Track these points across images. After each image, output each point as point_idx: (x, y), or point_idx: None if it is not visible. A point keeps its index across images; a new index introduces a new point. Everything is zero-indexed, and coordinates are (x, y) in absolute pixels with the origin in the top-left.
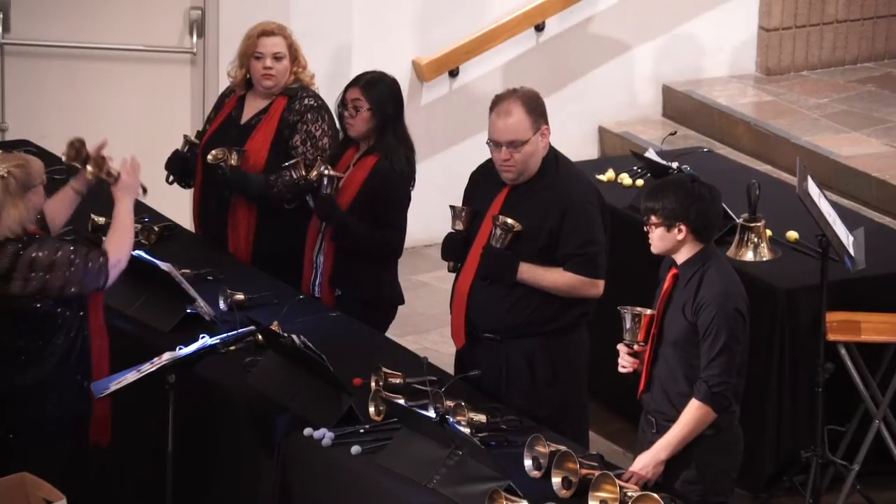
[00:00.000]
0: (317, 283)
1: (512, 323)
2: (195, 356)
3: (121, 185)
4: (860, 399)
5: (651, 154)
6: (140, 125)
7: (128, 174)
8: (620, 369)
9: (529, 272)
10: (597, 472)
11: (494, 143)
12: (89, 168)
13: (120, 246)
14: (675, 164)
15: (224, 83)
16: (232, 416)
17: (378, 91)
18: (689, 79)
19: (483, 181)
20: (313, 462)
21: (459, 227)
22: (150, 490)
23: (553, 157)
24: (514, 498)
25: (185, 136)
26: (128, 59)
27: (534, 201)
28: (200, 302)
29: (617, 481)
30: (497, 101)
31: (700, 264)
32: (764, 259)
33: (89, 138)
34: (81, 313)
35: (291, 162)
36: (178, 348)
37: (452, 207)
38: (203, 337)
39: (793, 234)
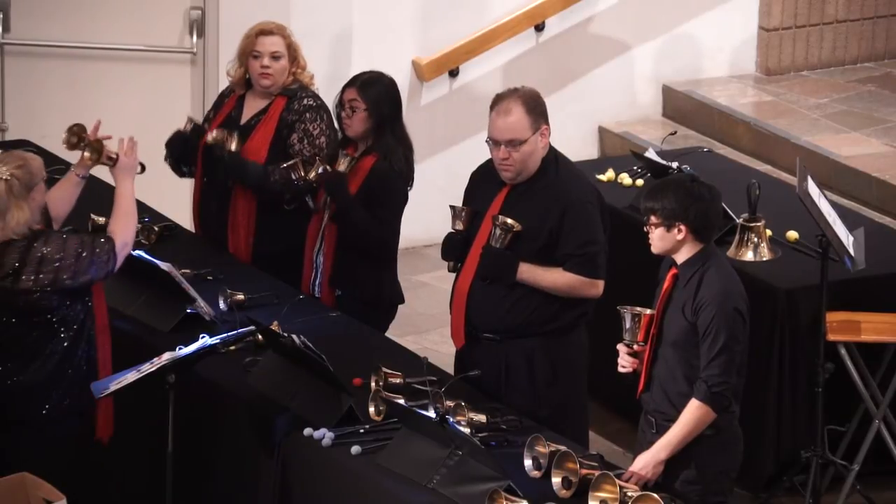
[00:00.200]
0: (317, 283)
1: (512, 323)
2: (195, 356)
3: (120, 166)
4: (860, 399)
5: (651, 154)
6: (140, 125)
7: (126, 154)
8: (620, 369)
9: (529, 272)
10: (597, 472)
11: (494, 142)
12: (87, 154)
13: (125, 228)
14: (675, 164)
15: (224, 83)
16: (232, 416)
17: (375, 91)
18: (689, 79)
19: (483, 181)
20: (313, 462)
21: (459, 227)
22: (150, 490)
23: (553, 157)
24: (514, 498)
25: (190, 118)
26: (128, 59)
27: (534, 201)
28: (200, 302)
29: (617, 481)
30: (497, 100)
31: (700, 264)
32: (764, 259)
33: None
34: (87, 308)
35: (290, 163)
36: (178, 348)
37: (452, 207)
38: (203, 337)
39: (793, 234)
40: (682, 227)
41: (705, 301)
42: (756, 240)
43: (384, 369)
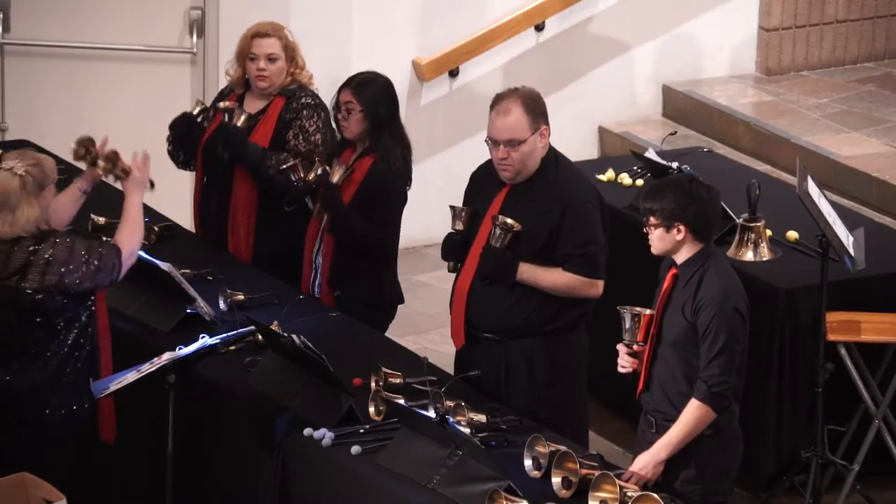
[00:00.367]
0: (316, 283)
1: (511, 323)
2: (195, 356)
3: (132, 180)
4: (860, 399)
5: (651, 154)
6: (140, 125)
7: (139, 169)
8: (620, 369)
9: (529, 272)
10: (597, 472)
11: (493, 141)
12: (101, 164)
13: (132, 238)
14: (675, 164)
15: (224, 82)
16: (232, 416)
17: (370, 92)
18: (689, 79)
19: (483, 181)
20: (313, 462)
21: (459, 227)
22: (151, 490)
23: (553, 157)
24: (514, 498)
25: (199, 100)
26: (128, 59)
27: (534, 201)
28: (200, 302)
29: (617, 481)
30: (497, 100)
31: (700, 264)
32: (764, 259)
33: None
34: (90, 311)
35: (290, 164)
36: (178, 348)
37: (452, 207)
38: (203, 337)
39: (793, 234)
40: (682, 228)
41: (705, 301)
42: (756, 240)
43: (384, 369)
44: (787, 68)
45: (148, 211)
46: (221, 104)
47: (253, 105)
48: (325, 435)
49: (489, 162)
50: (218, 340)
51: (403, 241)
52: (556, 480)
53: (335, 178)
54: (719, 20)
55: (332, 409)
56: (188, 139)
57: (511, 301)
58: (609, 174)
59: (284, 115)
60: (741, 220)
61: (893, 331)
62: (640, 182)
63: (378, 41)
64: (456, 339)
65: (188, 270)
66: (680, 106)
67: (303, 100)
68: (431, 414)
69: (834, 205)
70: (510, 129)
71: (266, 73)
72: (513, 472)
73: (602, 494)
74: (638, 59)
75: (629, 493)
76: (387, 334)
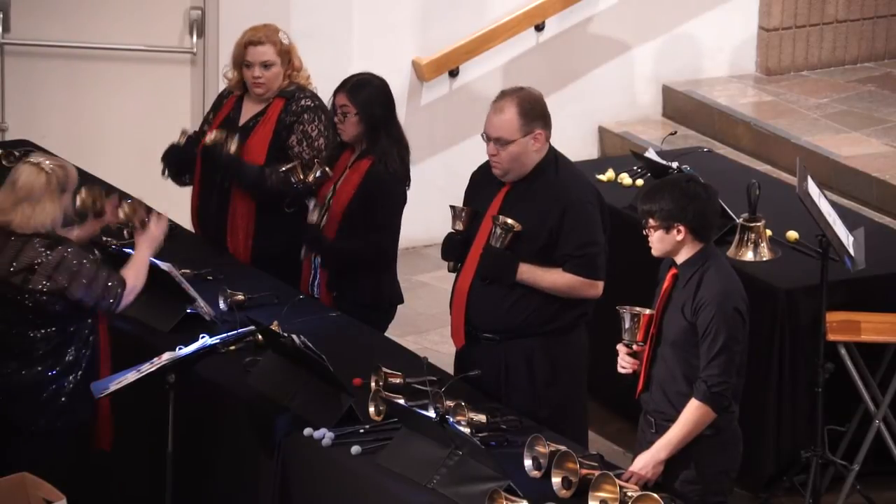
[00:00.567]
0: (315, 284)
1: (511, 323)
2: (195, 356)
3: (147, 236)
4: (860, 399)
5: (651, 154)
6: (140, 125)
7: (156, 227)
8: (620, 370)
9: (529, 273)
10: (597, 472)
11: (486, 136)
12: (125, 210)
13: (137, 277)
14: (675, 164)
15: (224, 83)
16: (232, 416)
17: (364, 94)
18: (689, 79)
19: (483, 181)
20: (313, 462)
21: (459, 227)
22: (151, 490)
23: (553, 157)
24: (514, 498)
25: (184, 130)
26: (128, 59)
27: (534, 201)
28: (200, 302)
29: (617, 481)
30: (498, 97)
31: (700, 264)
32: (764, 259)
33: (89, 138)
34: (91, 326)
35: (289, 166)
36: (178, 348)
37: (452, 207)
38: (203, 337)
39: (793, 234)
40: (682, 228)
41: (705, 301)
42: (756, 240)
43: (384, 369)
44: (787, 68)
45: (148, 211)
46: (208, 138)
47: (252, 106)
48: (325, 435)
49: (489, 161)
50: (218, 340)
51: (403, 241)
52: (556, 480)
53: (311, 178)
54: (719, 20)
55: (332, 409)
56: (184, 164)
57: (511, 301)
58: (609, 174)
59: (284, 118)
60: (741, 220)
61: (893, 331)
62: (640, 182)
63: (378, 41)
64: (456, 339)
65: (188, 270)
66: (680, 106)
67: (302, 102)
68: (431, 414)
69: (834, 205)
70: (500, 128)
71: (262, 79)
72: (513, 472)
73: (602, 494)
74: (638, 59)
75: (629, 493)
76: (387, 334)
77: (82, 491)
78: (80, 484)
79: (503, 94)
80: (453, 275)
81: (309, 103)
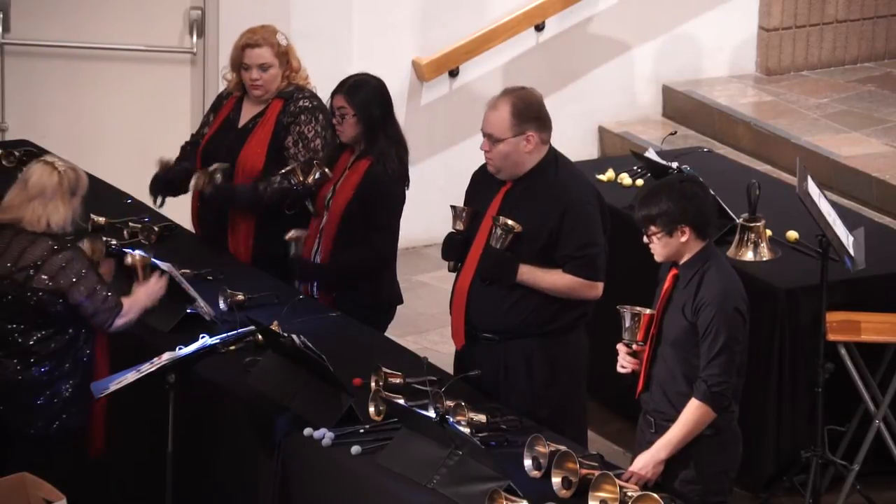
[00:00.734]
0: (314, 284)
1: (511, 323)
2: (195, 356)
3: (145, 289)
4: (860, 399)
5: (651, 154)
6: (140, 125)
7: (156, 282)
8: (620, 369)
9: (529, 274)
10: (597, 472)
11: (482, 131)
12: (130, 260)
13: (133, 305)
14: (675, 164)
15: (224, 83)
16: (232, 416)
17: (361, 95)
18: (689, 79)
19: (484, 181)
20: (313, 462)
21: (460, 227)
22: (150, 490)
23: (553, 157)
24: (514, 498)
25: (160, 159)
26: (128, 59)
27: (534, 201)
28: (200, 302)
29: (617, 481)
30: (500, 93)
31: (700, 264)
32: (764, 259)
33: (89, 138)
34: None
35: (287, 169)
36: (178, 348)
37: (453, 207)
38: (203, 337)
39: (793, 234)
40: (686, 229)
41: (705, 301)
42: (756, 240)
43: (384, 369)
44: (787, 68)
45: (148, 211)
46: (195, 178)
47: (251, 107)
48: (325, 435)
49: None
50: (218, 340)
51: (403, 241)
52: (556, 480)
53: (310, 180)
54: (719, 20)
55: (332, 409)
56: (172, 185)
57: (511, 301)
58: (609, 174)
59: (282, 119)
60: (741, 220)
61: (893, 331)
62: (640, 182)
63: (378, 41)
64: (456, 339)
65: (188, 270)
66: (680, 106)
67: (300, 102)
68: (431, 414)
69: (834, 205)
70: (491, 124)
71: (260, 81)
72: (513, 472)
73: (602, 494)
74: (638, 59)
75: (629, 493)
76: (387, 334)
77: (82, 491)
78: (80, 484)
79: (504, 92)
80: (453, 275)
81: (307, 104)
